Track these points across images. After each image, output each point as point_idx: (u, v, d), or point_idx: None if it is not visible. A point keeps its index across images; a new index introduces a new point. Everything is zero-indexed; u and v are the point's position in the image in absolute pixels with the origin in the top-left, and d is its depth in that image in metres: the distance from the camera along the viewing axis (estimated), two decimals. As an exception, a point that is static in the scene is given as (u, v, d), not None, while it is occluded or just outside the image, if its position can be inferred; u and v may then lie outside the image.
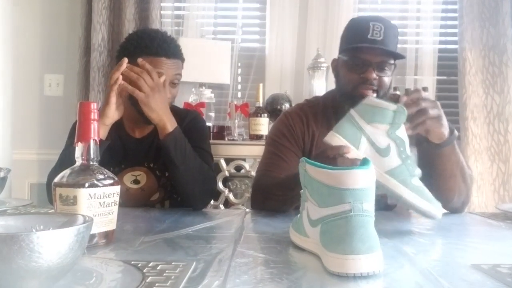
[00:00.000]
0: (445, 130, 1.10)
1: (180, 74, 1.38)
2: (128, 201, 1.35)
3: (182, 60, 1.39)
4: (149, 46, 1.30)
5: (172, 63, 1.33)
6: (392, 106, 0.94)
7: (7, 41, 2.49)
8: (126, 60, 1.24)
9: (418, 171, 0.95)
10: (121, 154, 1.39)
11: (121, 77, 1.23)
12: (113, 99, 1.24)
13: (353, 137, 0.95)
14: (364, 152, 0.94)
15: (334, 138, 0.97)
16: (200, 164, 1.31)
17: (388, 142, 0.93)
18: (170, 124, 1.25)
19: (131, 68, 1.24)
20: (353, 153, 0.95)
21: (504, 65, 2.43)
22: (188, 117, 1.46)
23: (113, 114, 1.25)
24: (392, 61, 1.27)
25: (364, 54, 1.24)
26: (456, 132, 1.14)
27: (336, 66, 1.36)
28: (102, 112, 1.23)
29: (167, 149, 1.24)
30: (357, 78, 1.25)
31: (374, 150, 0.94)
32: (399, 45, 2.48)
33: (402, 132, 0.95)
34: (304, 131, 1.36)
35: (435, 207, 0.94)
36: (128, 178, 1.39)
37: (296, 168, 1.37)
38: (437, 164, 1.16)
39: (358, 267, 0.62)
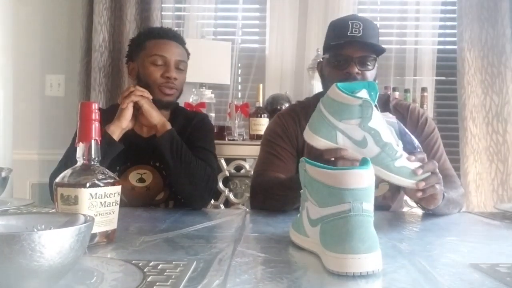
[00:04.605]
0: (439, 201, 1.08)
1: (185, 62, 1.47)
2: (133, 200, 1.36)
3: (184, 47, 1.49)
4: (153, 31, 1.52)
5: (175, 45, 1.44)
6: (356, 101, 0.91)
7: (9, 41, 2.49)
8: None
9: (400, 150, 0.95)
10: (128, 152, 1.39)
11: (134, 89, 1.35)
12: (131, 105, 1.33)
13: (328, 135, 0.94)
14: (344, 145, 0.94)
15: (313, 138, 0.96)
16: (197, 163, 1.32)
17: (363, 134, 0.92)
18: (168, 124, 1.34)
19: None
20: (351, 153, 0.94)
21: (503, 65, 2.43)
22: (196, 118, 1.51)
23: (130, 117, 1.33)
24: (373, 56, 1.30)
25: (344, 50, 1.28)
26: (446, 196, 1.12)
27: (321, 67, 1.40)
28: (120, 115, 1.32)
29: (163, 146, 1.30)
30: (341, 74, 1.27)
31: (352, 142, 0.94)
32: (398, 46, 2.53)
33: (375, 122, 0.92)
34: (297, 130, 1.38)
35: (417, 180, 0.97)
36: (133, 176, 1.40)
37: (291, 166, 1.37)
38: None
39: (357, 266, 0.62)
